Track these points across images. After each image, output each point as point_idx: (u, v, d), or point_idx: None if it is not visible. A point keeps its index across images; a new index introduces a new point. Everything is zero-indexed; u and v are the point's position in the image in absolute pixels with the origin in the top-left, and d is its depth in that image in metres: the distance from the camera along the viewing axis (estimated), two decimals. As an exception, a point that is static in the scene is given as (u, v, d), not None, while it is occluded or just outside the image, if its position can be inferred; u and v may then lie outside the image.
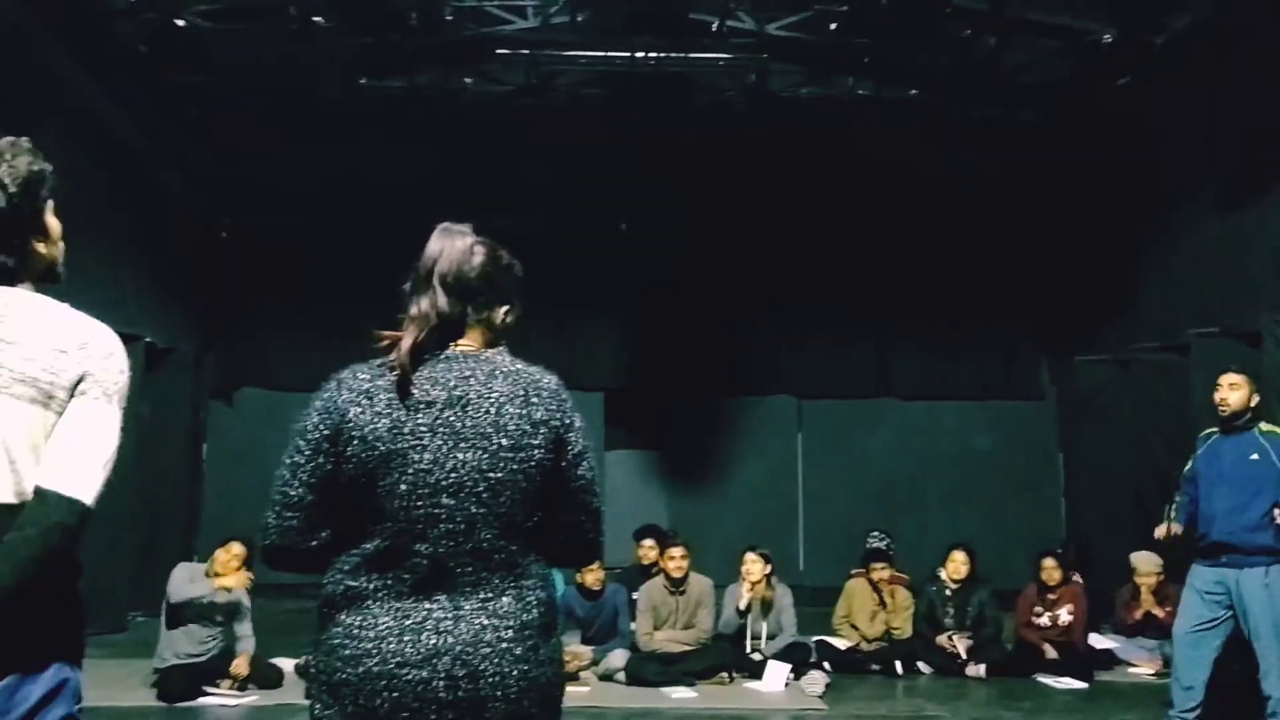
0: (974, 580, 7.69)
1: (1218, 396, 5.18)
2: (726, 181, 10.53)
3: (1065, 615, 7.50)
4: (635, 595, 7.31)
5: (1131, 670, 7.51)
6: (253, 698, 6.47)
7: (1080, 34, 8.75)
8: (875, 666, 7.49)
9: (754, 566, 7.28)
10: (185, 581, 6.59)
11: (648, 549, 7.73)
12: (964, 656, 7.38)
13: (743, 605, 7.26)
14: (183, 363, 9.94)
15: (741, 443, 11.41)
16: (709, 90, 10.38)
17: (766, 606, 7.36)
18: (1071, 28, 8.75)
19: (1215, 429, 5.29)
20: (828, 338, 11.33)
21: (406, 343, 1.96)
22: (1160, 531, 5.56)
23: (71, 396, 1.93)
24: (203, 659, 6.50)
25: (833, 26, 8.97)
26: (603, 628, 7.25)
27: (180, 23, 8.47)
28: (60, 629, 1.97)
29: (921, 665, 7.51)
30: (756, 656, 7.14)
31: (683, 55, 9.39)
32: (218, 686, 6.45)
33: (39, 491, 1.87)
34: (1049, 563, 7.62)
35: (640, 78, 9.65)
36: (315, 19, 8.63)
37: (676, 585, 7.20)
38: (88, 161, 7.75)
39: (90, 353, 1.96)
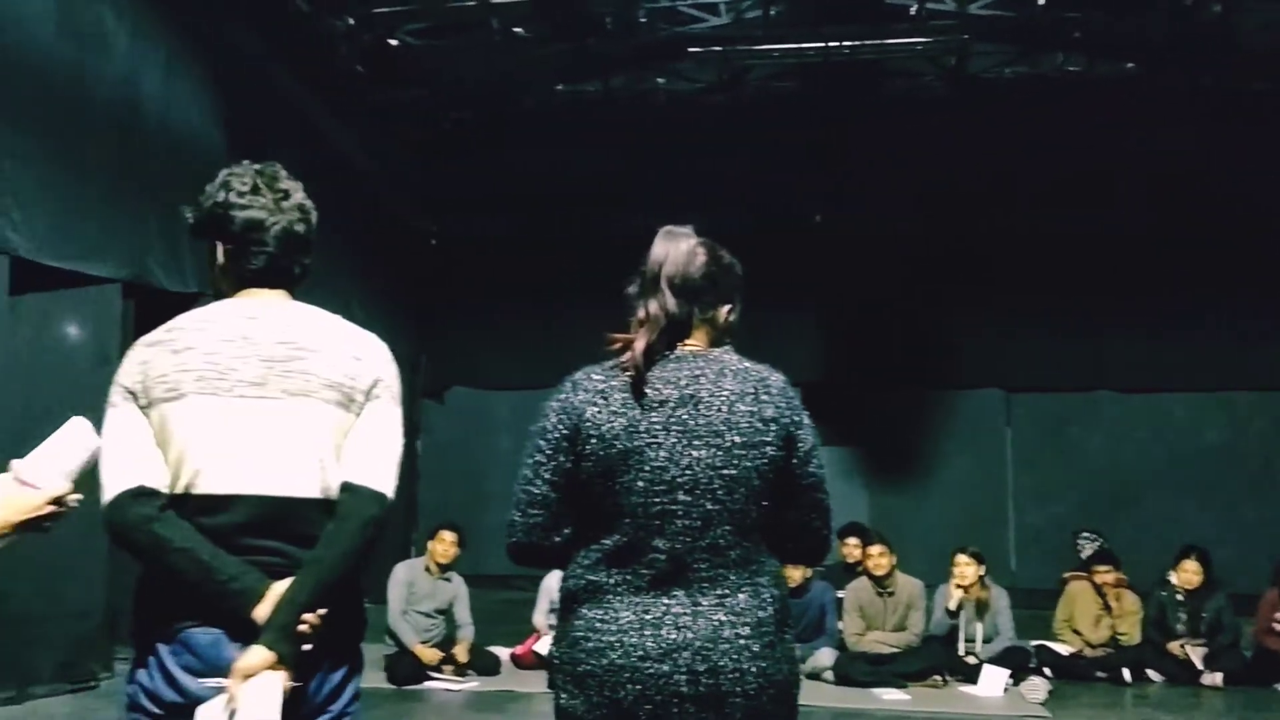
0: (1209, 585, 7.18)
1: None
2: (926, 169, 10.22)
3: (1310, 622, 6.91)
4: (841, 594, 7.21)
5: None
6: (473, 683, 6.76)
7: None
8: (1101, 674, 7.12)
9: (966, 569, 7.04)
10: (406, 575, 6.97)
11: (851, 547, 7.61)
12: (1199, 665, 6.92)
13: (953, 605, 7.04)
14: (400, 364, 10.48)
15: (947, 438, 11.06)
16: (906, 76, 10.12)
17: (981, 609, 7.10)
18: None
19: None
20: (1038, 328, 10.81)
21: (640, 345, 2.00)
22: None
23: (367, 400, 2.07)
24: (427, 645, 6.85)
25: (1040, 1, 8.57)
26: (809, 625, 7.18)
27: (393, 42, 8.95)
28: (354, 628, 2.12)
29: (1151, 673, 7.09)
30: (971, 660, 6.90)
31: (878, 42, 9.17)
32: (441, 672, 6.77)
33: (351, 487, 2.01)
34: (1293, 565, 7.04)
35: (834, 67, 9.50)
36: (516, 30, 8.94)
37: (882, 585, 7.05)
38: (312, 177, 8.27)
39: (379, 359, 2.12)
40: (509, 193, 10.91)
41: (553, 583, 7.28)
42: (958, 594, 7.00)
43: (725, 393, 1.99)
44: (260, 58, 8.07)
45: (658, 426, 1.97)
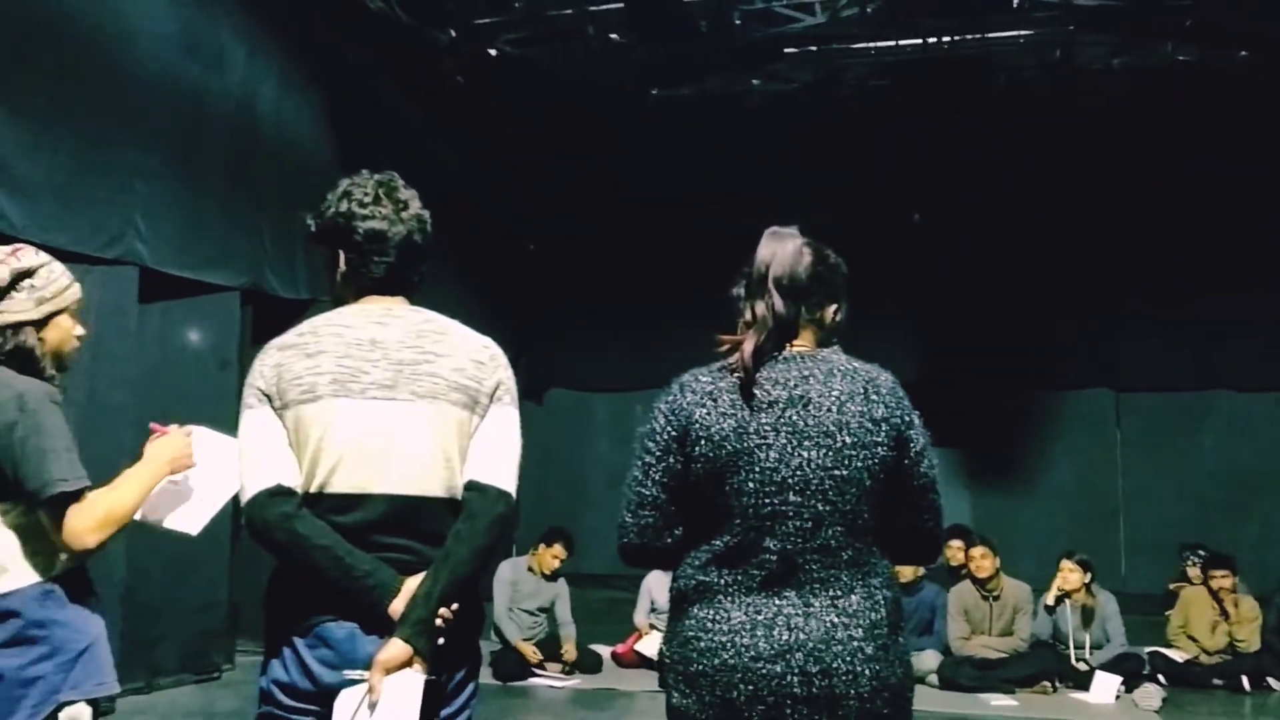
0: (1336, 592, 6.89)
1: None
2: (1030, 164, 9.99)
3: None
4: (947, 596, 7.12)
5: None
6: (575, 681, 6.86)
7: None
8: (1218, 681, 6.88)
9: (1071, 576, 6.89)
10: (511, 573, 7.11)
11: (955, 549, 7.49)
12: (1325, 675, 6.64)
13: (1050, 600, 6.89)
14: (503, 368, 10.68)
15: (1053, 439, 10.78)
16: (1008, 70, 9.88)
17: (1088, 615, 6.93)
18: None
19: None
20: (1148, 325, 10.45)
21: (749, 346, 2.01)
22: None
23: (491, 402, 2.14)
24: (529, 644, 6.97)
25: (1149, -12, 8.31)
26: (917, 626, 7.09)
27: (492, 52, 9.11)
28: (474, 625, 2.19)
29: (1272, 681, 6.84)
30: (1082, 666, 6.74)
31: (979, 36, 8.99)
32: (545, 669, 6.88)
33: (479, 486, 2.08)
34: None
35: (933, 63, 9.34)
36: (612, 36, 9.02)
37: (986, 588, 6.93)
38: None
39: (499, 362, 2.19)
40: (605, 197, 11.00)
41: (653, 582, 7.35)
42: (1055, 591, 6.86)
43: (835, 393, 1.99)
44: (366, 71, 8.31)
45: (767, 428, 1.97)
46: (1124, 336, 10.55)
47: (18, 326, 2.34)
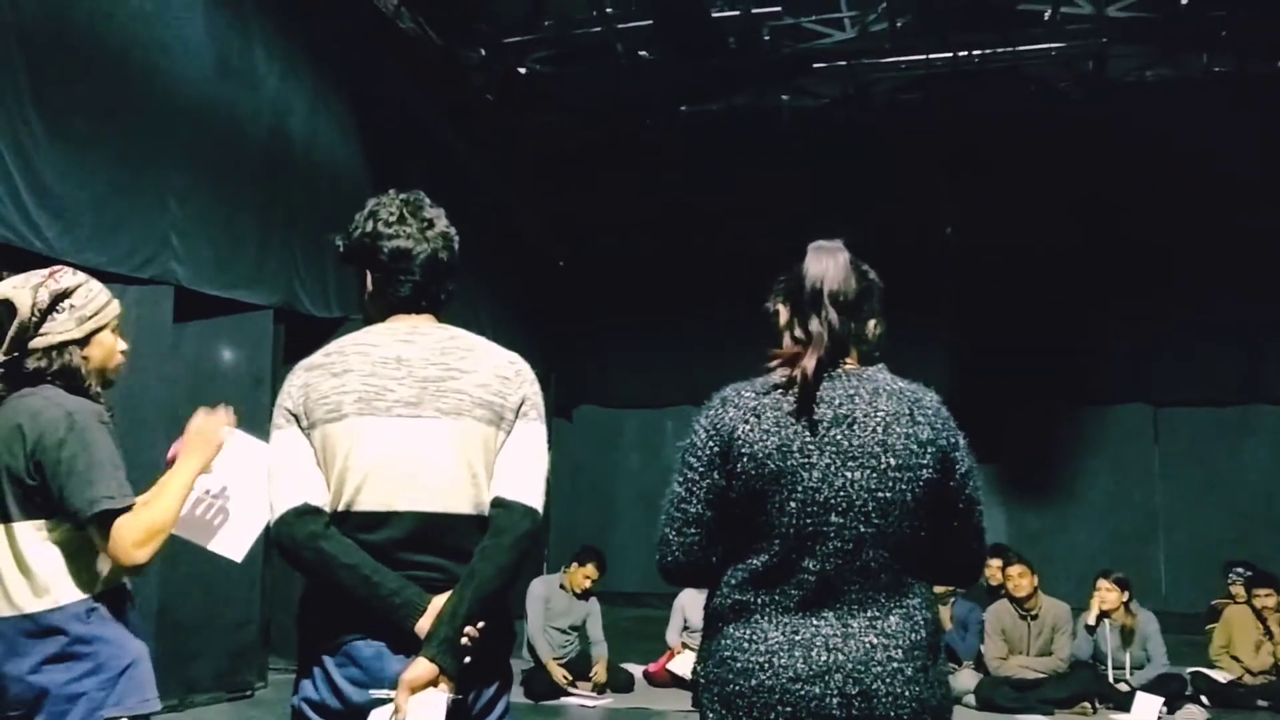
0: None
1: None
2: (1063, 178, 9.90)
3: None
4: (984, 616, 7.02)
5: None
6: (608, 700, 6.81)
7: None
8: (1263, 703, 6.72)
9: (1109, 595, 6.77)
10: (543, 590, 7.09)
11: (994, 568, 7.38)
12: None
13: (1091, 620, 6.78)
14: (531, 385, 10.71)
15: (1090, 455, 10.64)
16: (1040, 83, 9.82)
17: (1128, 634, 6.81)
18: None
19: None
20: (1186, 338, 10.31)
21: (810, 363, 1.96)
22: None
23: (516, 417, 2.13)
24: (561, 662, 6.95)
25: (1182, 0, 8.22)
26: (950, 646, 7.01)
27: (522, 70, 9.17)
28: (505, 643, 2.18)
29: (1320, 704, 6.67)
30: (1122, 687, 6.62)
31: (1010, 49, 8.94)
32: (576, 687, 6.85)
33: (504, 502, 2.07)
34: None
35: (963, 77, 9.29)
36: (640, 53, 9.05)
37: (1024, 607, 6.83)
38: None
39: (525, 378, 2.19)
40: (634, 213, 11.03)
41: (686, 600, 7.30)
42: (1095, 610, 6.75)
43: (880, 413, 1.96)
44: (397, 91, 8.37)
45: (811, 447, 1.94)
46: (1161, 350, 10.42)
47: (62, 347, 2.38)
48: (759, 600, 1.95)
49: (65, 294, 2.40)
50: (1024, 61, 9.23)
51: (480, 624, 2.00)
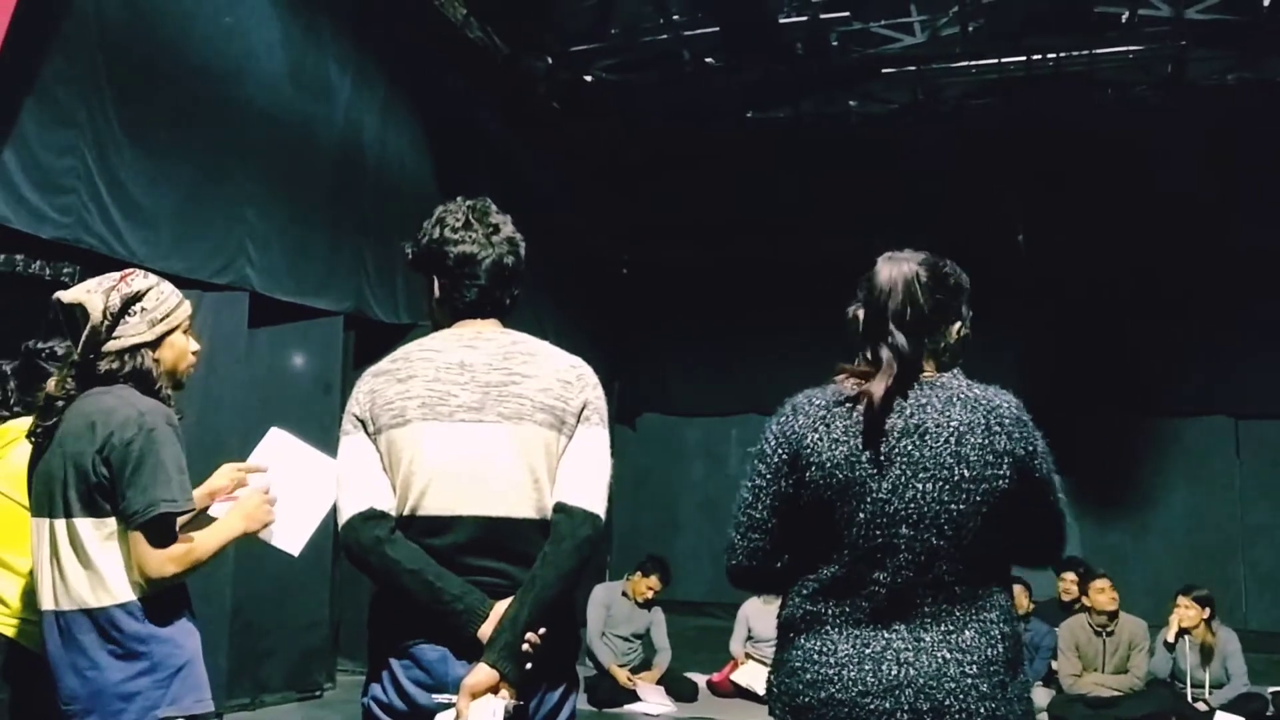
0: None
1: None
2: (1140, 183, 9.65)
3: None
4: (1057, 631, 6.86)
5: None
6: (671, 709, 6.79)
7: None
8: (1350, 726, 6.48)
9: (1188, 612, 6.57)
10: (604, 597, 7.10)
11: (1070, 583, 7.21)
12: None
13: (1170, 637, 6.59)
14: (595, 391, 10.73)
15: (1168, 468, 10.34)
16: (1117, 87, 9.60)
17: (1207, 652, 6.60)
18: None
19: None
20: (1269, 349, 9.97)
21: (879, 390, 1.93)
22: None
23: (578, 422, 2.13)
24: (625, 668, 6.94)
25: (1265, 2, 7.97)
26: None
27: (588, 78, 9.21)
28: (569, 648, 2.17)
29: None
30: (1201, 707, 6.41)
31: (1086, 52, 8.75)
32: (638, 685, 6.84)
33: (566, 508, 2.06)
34: None
35: (1037, 81, 9.12)
36: (707, 60, 9.04)
37: (1102, 624, 6.65)
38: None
39: (587, 382, 2.18)
40: (699, 220, 10.98)
41: (750, 610, 7.25)
42: (1175, 627, 6.56)
43: (954, 423, 1.91)
44: (465, 99, 8.48)
45: (882, 457, 1.90)
46: (1243, 360, 10.08)
47: (134, 349, 2.42)
48: (829, 611, 1.93)
49: (137, 297, 2.44)
50: (1100, 65, 9.03)
51: (542, 630, 1.99)
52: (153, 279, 2.52)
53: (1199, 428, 10.38)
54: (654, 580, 7.08)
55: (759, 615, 7.35)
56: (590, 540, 2.05)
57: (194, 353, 2.57)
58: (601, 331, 11.55)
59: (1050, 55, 8.75)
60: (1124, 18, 8.33)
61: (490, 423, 2.07)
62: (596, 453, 2.12)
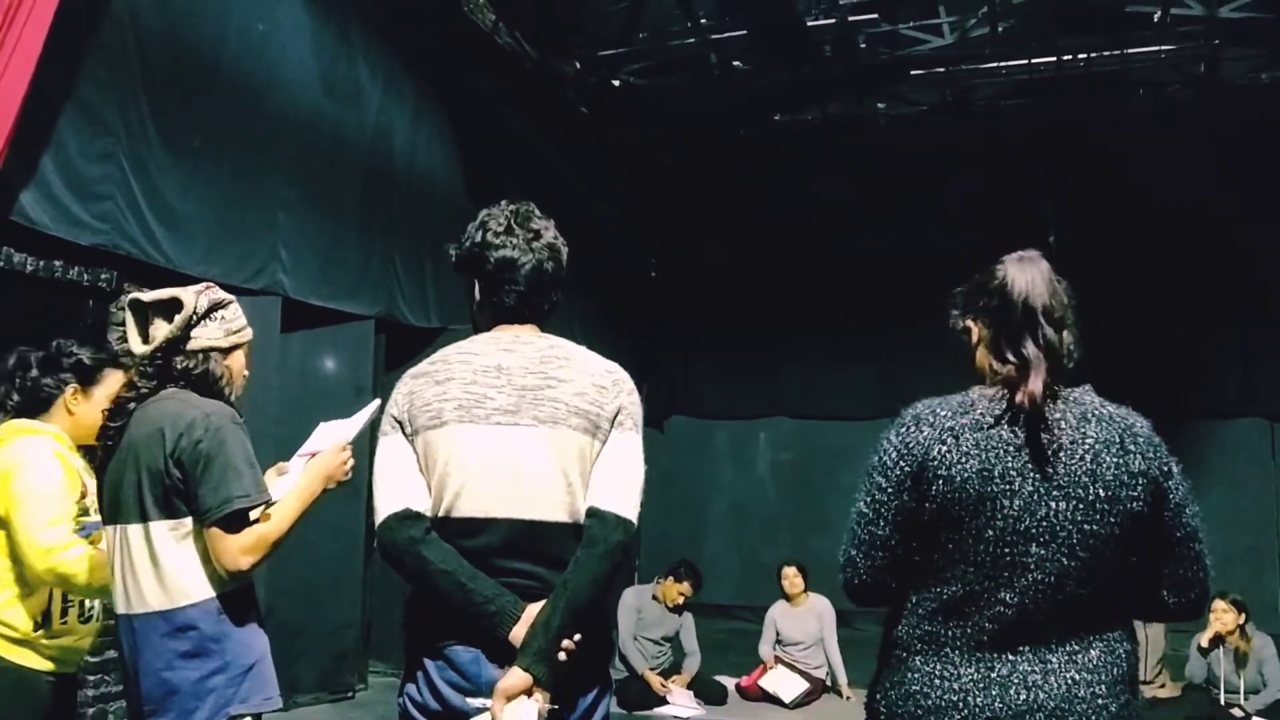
0: None
1: None
2: (1173, 184, 9.55)
3: None
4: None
5: None
6: (701, 712, 6.79)
7: None
8: (1390, 735, 6.37)
9: (1225, 616, 6.50)
10: (635, 600, 7.11)
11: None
12: None
13: (1205, 642, 6.52)
14: (625, 394, 10.74)
15: (1204, 471, 10.18)
16: (1149, 86, 9.50)
17: (1243, 658, 6.53)
18: None
19: None
20: (1307, 351, 9.86)
21: (1036, 386, 1.85)
22: None
23: (612, 427, 2.14)
24: (655, 672, 6.95)
25: (1300, -1, 7.87)
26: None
27: (616, 82, 9.23)
28: (602, 651, 2.18)
29: None
30: (1237, 712, 6.34)
31: (1118, 52, 8.67)
32: (670, 689, 6.85)
33: (599, 513, 2.07)
34: None
35: (1067, 81, 9.04)
36: (735, 63, 9.04)
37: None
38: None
39: (622, 388, 2.18)
40: (728, 223, 10.98)
41: (778, 613, 7.25)
42: (1210, 632, 6.49)
43: (1089, 440, 1.84)
44: (494, 104, 8.52)
45: (1013, 473, 1.82)
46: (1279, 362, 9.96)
47: (208, 352, 2.51)
48: (949, 633, 1.85)
49: (220, 305, 2.55)
50: (1132, 65, 8.94)
51: (576, 635, 2.00)
52: (230, 295, 2.63)
53: (1235, 430, 10.26)
54: (686, 586, 7.09)
55: (786, 618, 7.34)
56: (623, 545, 2.05)
57: (244, 375, 2.64)
58: (630, 334, 11.57)
59: (1081, 55, 8.68)
60: (1156, 17, 8.24)
61: (525, 426, 2.08)
62: (630, 458, 2.12)
